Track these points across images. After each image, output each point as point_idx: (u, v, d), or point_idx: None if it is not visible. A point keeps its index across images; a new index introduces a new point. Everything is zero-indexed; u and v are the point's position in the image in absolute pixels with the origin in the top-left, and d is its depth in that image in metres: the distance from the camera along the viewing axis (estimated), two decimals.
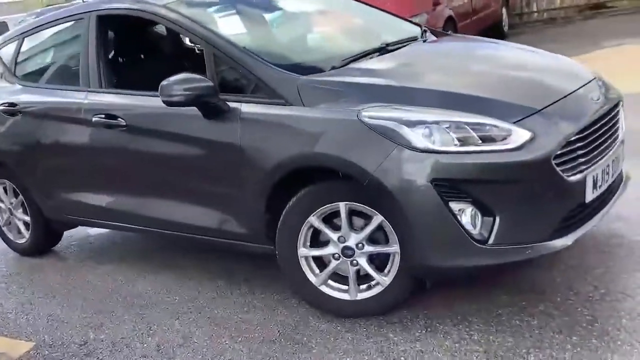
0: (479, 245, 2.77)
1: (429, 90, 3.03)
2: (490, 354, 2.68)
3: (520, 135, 2.75)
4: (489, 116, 2.80)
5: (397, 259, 2.98)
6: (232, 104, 3.22)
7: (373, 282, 3.09)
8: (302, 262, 3.14)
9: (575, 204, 2.90)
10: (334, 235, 3.05)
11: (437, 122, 2.78)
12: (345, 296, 3.12)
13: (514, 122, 2.79)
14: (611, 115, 3.17)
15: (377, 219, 2.95)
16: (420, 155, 2.74)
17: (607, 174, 3.09)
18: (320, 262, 3.15)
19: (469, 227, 2.77)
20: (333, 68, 3.29)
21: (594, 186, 2.97)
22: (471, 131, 2.76)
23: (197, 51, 4.98)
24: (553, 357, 2.60)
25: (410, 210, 2.78)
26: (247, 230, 3.33)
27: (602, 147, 3.04)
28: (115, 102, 3.79)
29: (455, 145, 2.74)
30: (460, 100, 2.92)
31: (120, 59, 4.44)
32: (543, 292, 3.08)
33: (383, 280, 3.03)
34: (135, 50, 4.65)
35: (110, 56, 4.10)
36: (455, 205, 2.76)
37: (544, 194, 2.78)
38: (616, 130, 3.23)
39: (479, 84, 3.09)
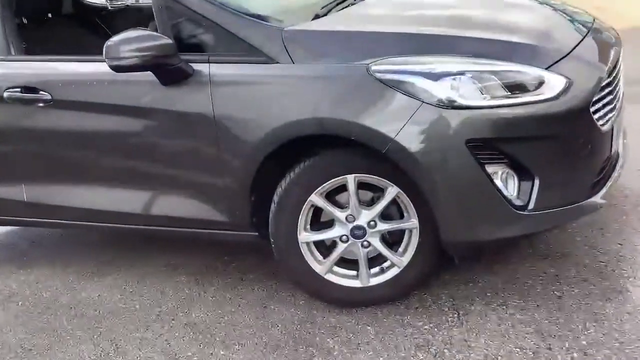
0: (519, 212, 2.41)
1: (439, 36, 2.57)
2: (544, 334, 2.35)
3: (555, 82, 2.40)
4: (517, 62, 2.42)
5: (416, 235, 2.58)
6: (196, 66, 2.63)
7: (386, 265, 2.67)
8: (304, 249, 2.65)
9: (606, 156, 2.62)
10: (341, 215, 2.58)
11: (462, 73, 2.36)
12: (355, 283, 2.68)
13: (546, 68, 2.43)
14: (620, 58, 2.90)
15: (392, 191, 2.51)
16: (450, 112, 2.32)
17: (620, 121, 2.84)
18: (323, 247, 2.69)
19: (506, 192, 2.40)
20: (316, 17, 2.79)
21: (617, 135, 2.71)
22: (501, 81, 2.37)
23: (111, 7, 4.25)
24: (615, 329, 2.32)
25: (442, 178, 2.37)
26: (226, 217, 2.78)
27: (619, 93, 2.78)
28: (35, 71, 3.05)
29: (486, 98, 2.34)
30: (478, 46, 2.50)
31: (25, 20, 3.64)
32: (568, 255, 2.80)
33: (399, 261, 2.62)
34: (40, 10, 3.84)
35: (15, 17, 3.32)
36: (491, 169, 2.38)
37: (583, 148, 2.46)
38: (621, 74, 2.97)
39: (490, 27, 2.68)
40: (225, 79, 2.60)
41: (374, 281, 2.67)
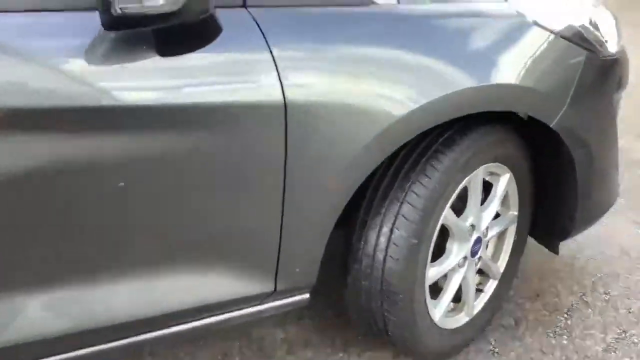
0: None
1: None
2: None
3: None
4: None
5: (512, 231, 1.97)
6: (221, 15, 1.34)
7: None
8: (426, 291, 1.72)
9: None
10: (465, 225, 1.75)
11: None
12: (461, 319, 1.89)
13: None
14: None
15: (506, 179, 1.84)
16: (604, 63, 1.81)
17: None
18: None
19: None
20: None
21: None
22: None
23: None
24: None
25: (599, 147, 1.85)
26: (271, 284, 1.53)
27: None
28: None
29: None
30: None
31: None
32: None
33: (497, 271, 1.97)
34: None
35: None
36: None
37: None
38: None
39: None
40: (294, 38, 1.41)
41: (477, 309, 1.94)
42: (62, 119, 1.18)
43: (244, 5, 1.36)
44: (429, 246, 1.65)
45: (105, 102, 1.22)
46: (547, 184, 1.95)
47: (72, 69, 1.19)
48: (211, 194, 1.40)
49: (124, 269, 1.38)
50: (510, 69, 1.60)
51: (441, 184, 1.60)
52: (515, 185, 1.89)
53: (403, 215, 1.58)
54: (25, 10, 1.20)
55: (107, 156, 1.25)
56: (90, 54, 1.21)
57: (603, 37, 1.81)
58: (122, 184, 1.28)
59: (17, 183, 1.19)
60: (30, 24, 1.19)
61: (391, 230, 1.59)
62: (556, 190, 1.93)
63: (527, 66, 1.62)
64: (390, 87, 1.46)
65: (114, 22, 1.12)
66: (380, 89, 1.45)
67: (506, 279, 2.01)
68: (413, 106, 1.46)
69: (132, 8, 1.12)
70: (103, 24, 1.13)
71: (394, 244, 1.59)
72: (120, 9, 1.10)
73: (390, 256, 1.60)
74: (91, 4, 1.20)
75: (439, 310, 1.79)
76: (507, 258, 1.99)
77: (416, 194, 1.59)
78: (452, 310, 1.89)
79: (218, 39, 1.31)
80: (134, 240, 1.37)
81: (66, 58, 1.19)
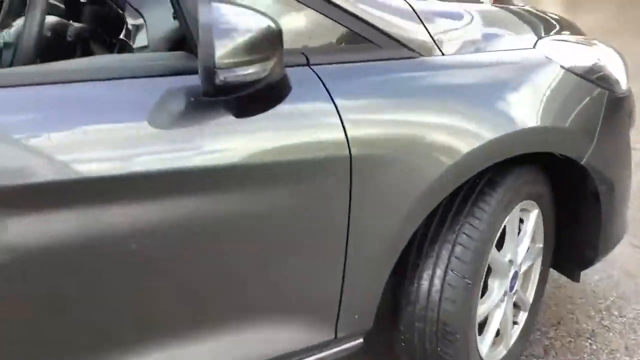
0: None
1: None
2: None
3: None
4: None
5: (539, 264, 2.05)
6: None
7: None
8: (476, 329, 1.77)
9: None
10: (506, 262, 1.82)
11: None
12: (501, 352, 1.95)
13: None
14: None
15: (535, 214, 1.92)
16: (622, 100, 1.93)
17: None
18: None
19: None
20: None
21: None
22: None
23: None
24: None
25: (620, 180, 1.96)
26: (331, 330, 1.57)
27: None
28: None
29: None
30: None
31: None
32: None
33: (528, 302, 2.04)
34: None
35: None
36: None
37: None
38: None
39: None
40: (354, 90, 1.47)
41: (513, 339, 2.00)
42: (156, 182, 1.21)
43: (308, 64, 1.41)
44: (480, 285, 1.71)
45: (189, 164, 1.25)
46: (566, 216, 2.04)
47: (161, 133, 1.21)
48: (278, 249, 1.42)
49: (189, 329, 1.39)
50: (549, 111, 1.69)
51: (489, 225, 1.66)
52: (542, 220, 1.97)
53: (457, 257, 1.64)
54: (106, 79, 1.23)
55: (187, 217, 1.28)
56: (172, 118, 1.24)
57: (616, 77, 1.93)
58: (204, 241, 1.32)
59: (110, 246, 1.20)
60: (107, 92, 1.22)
61: (445, 272, 1.64)
62: (578, 221, 2.02)
63: (561, 109, 1.72)
64: (444, 134, 1.53)
65: (215, 91, 1.15)
66: (435, 135, 1.51)
67: (534, 308, 2.09)
68: (466, 151, 1.53)
69: (231, 77, 1.16)
70: (205, 93, 1.16)
71: (449, 285, 1.64)
72: (224, 78, 1.14)
73: (446, 298, 1.65)
74: (163, 71, 1.27)
75: (484, 346, 1.84)
76: (534, 289, 2.07)
77: (467, 235, 1.64)
78: (492, 344, 1.95)
79: (288, 97, 1.36)
80: (203, 298, 1.39)
81: (156, 124, 1.21)
